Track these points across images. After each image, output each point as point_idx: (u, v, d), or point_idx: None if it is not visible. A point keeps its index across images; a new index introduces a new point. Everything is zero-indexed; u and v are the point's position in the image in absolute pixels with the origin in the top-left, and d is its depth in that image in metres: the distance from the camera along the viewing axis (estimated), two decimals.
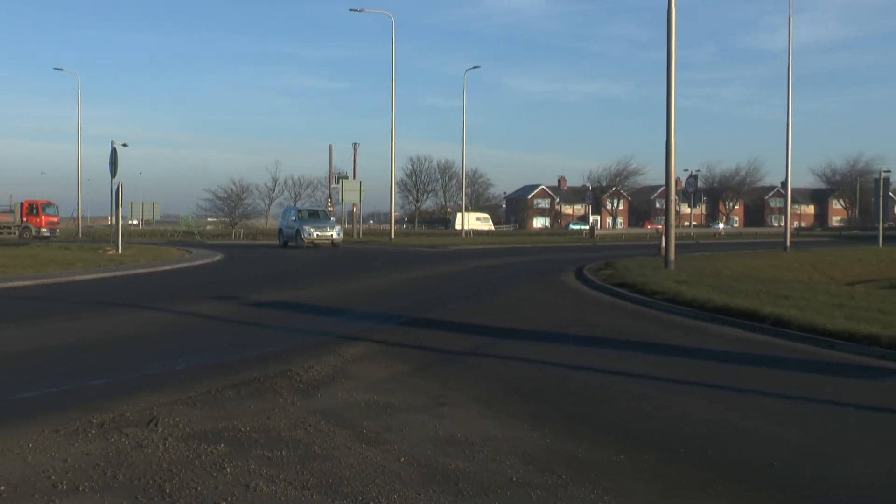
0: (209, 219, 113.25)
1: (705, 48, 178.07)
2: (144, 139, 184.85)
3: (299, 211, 46.21)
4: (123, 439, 6.33)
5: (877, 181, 46.84)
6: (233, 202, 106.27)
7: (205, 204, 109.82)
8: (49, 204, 59.81)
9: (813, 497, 5.35)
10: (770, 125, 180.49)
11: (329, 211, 58.59)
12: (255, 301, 16.41)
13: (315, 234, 42.02)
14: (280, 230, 47.50)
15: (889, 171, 49.85)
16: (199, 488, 5.29)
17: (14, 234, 55.98)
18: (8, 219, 57.62)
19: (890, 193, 51.02)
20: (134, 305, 15.74)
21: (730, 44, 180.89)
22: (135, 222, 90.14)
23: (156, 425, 6.72)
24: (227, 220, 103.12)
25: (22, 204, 58.24)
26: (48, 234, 57.49)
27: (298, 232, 42.40)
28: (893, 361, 10.16)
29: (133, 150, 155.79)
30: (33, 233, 56.62)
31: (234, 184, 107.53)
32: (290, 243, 43.67)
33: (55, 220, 60.85)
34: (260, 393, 8.01)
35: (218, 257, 33.56)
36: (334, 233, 42.85)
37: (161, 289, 20.36)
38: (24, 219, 57.46)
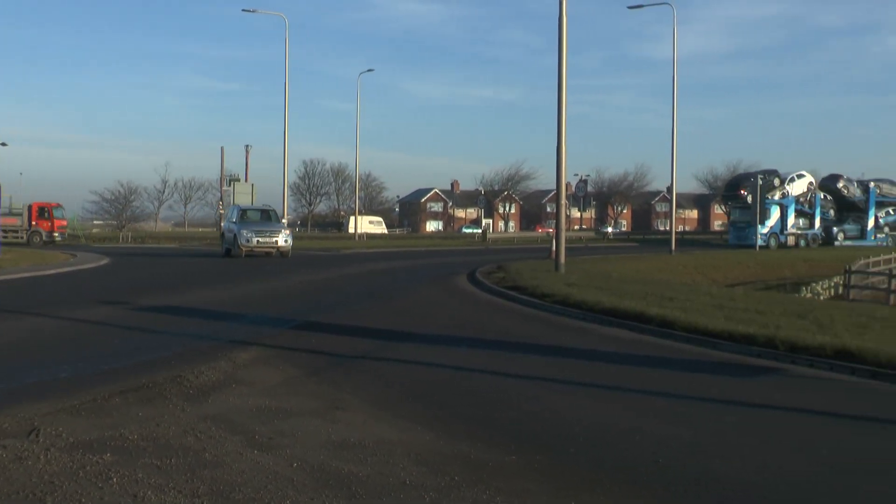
0: (95, 221, 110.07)
1: (595, 55, 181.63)
2: (26, 138, 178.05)
3: (243, 211, 36.88)
4: (1, 451, 6.11)
5: (754, 186, 48.75)
6: (120, 204, 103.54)
7: (91, 206, 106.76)
8: (58, 206, 57.25)
9: (695, 492, 5.54)
10: (657, 132, 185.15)
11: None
12: (145, 306, 16.04)
13: (255, 239, 34.00)
14: (222, 235, 39.64)
15: (764, 177, 52.40)
16: (84, 500, 5.15)
17: (22, 238, 52.78)
18: (15, 222, 53.88)
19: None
20: (15, 311, 15.20)
21: (619, 52, 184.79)
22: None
23: (37, 436, 6.50)
24: (114, 222, 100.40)
25: (31, 206, 55.28)
26: (59, 238, 54.91)
27: (236, 237, 34.45)
28: (769, 360, 10.58)
29: (13, 150, 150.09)
30: (44, 237, 53.72)
31: (122, 185, 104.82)
32: (232, 251, 35.09)
33: (64, 223, 58.26)
34: (148, 399, 7.85)
35: (105, 261, 32.64)
36: (280, 239, 34.36)
37: (44, 294, 19.73)
38: (34, 222, 54.53)
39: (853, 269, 31.82)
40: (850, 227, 58.75)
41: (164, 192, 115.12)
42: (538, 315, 15.82)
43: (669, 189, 53.18)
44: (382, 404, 7.97)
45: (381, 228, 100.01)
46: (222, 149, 73.54)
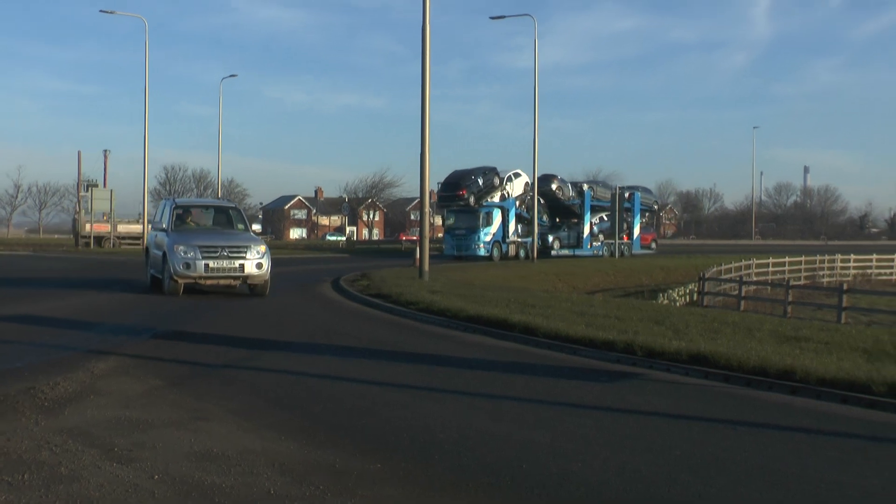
0: None
1: (458, 65, 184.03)
2: None
3: (182, 210, 21.68)
4: None
5: (613, 195, 50.39)
6: None
7: None
8: None
9: (555, 494, 5.70)
10: (518, 141, 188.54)
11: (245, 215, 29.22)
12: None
13: (203, 264, 19.23)
14: (146, 251, 23.62)
15: (623, 187, 54.04)
16: None
17: None
18: None
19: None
20: None
21: (480, 62, 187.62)
22: None
23: None
24: None
25: None
26: None
27: (166, 258, 19.69)
28: (627, 365, 10.95)
29: None
30: None
31: None
32: (165, 283, 19.94)
33: None
34: None
35: None
36: (249, 261, 19.71)
37: None
38: None
39: (706, 276, 33.21)
40: (566, 234, 51.46)
41: (17, 196, 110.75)
42: (403, 322, 15.90)
43: (532, 198, 52.43)
44: (247, 414, 7.87)
45: None
46: (79, 153, 70.94)
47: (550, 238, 49.66)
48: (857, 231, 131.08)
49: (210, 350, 11.69)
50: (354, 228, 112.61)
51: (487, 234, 45.52)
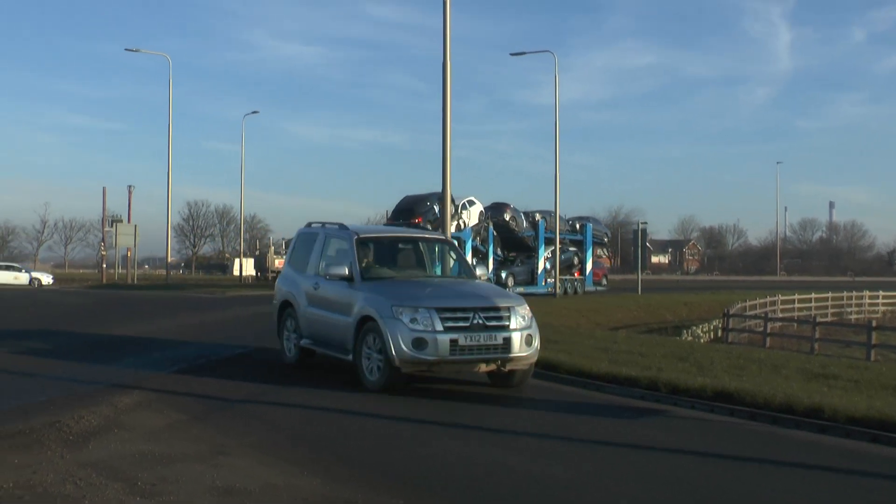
0: None
1: (478, 101, 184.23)
2: None
3: (365, 243, 13.43)
4: None
5: (635, 232, 50.03)
6: None
7: None
8: None
9: None
10: (539, 176, 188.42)
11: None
12: (21, 349, 15.44)
13: (455, 338, 11.04)
14: (282, 306, 14.64)
15: (646, 223, 53.47)
16: None
17: None
18: None
19: (647, 244, 52.76)
20: None
21: (501, 97, 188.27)
22: None
23: None
24: None
25: None
26: None
27: (367, 329, 11.61)
28: (651, 402, 10.87)
29: None
30: None
31: None
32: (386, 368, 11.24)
33: None
34: (25, 446, 7.57)
35: None
36: (521, 336, 11.52)
37: None
38: None
39: (731, 312, 32.97)
40: (520, 269, 45.54)
41: (43, 232, 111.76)
42: None
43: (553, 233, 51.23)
44: (268, 449, 7.87)
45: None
46: (104, 189, 71.42)
47: (504, 274, 43.52)
48: (885, 267, 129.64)
49: (231, 385, 11.69)
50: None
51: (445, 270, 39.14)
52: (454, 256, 14.69)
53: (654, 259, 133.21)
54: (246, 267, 67.11)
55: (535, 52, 44.07)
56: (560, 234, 44.46)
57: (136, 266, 63.87)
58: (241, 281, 61.82)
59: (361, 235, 13.23)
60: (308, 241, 14.41)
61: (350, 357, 11.82)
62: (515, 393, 11.60)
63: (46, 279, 57.66)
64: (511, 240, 45.27)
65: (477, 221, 41.85)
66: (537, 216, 45.87)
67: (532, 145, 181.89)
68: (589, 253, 49.03)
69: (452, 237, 33.73)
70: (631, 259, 69.51)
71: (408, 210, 38.45)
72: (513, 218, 44.47)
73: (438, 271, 14.30)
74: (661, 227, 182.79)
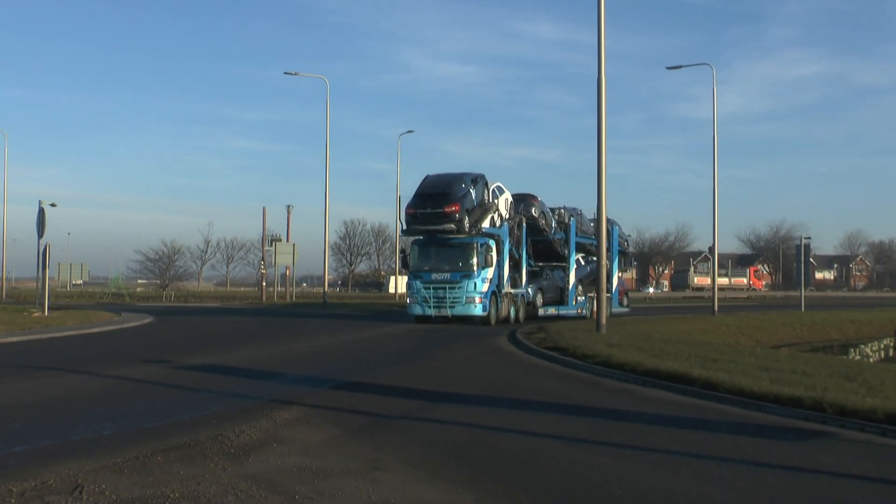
0: (139, 280, 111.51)
1: (633, 116, 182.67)
2: (74, 199, 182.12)
3: None
4: None
5: (798, 247, 48.08)
6: (164, 264, 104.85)
7: (135, 265, 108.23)
8: None
9: None
10: (697, 192, 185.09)
11: None
12: (186, 364, 16.15)
13: None
14: None
15: (809, 238, 51.15)
16: None
17: None
18: None
19: (811, 259, 49.85)
20: (60, 369, 15.37)
21: (657, 112, 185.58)
22: (79, 282, 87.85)
23: (80, 493, 6.54)
24: (157, 281, 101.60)
25: None
26: None
27: None
28: (816, 423, 10.37)
29: (62, 211, 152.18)
30: None
31: (166, 245, 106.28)
32: None
33: None
34: (190, 458, 7.87)
35: (148, 319, 32.97)
36: None
37: (89, 352, 19.93)
38: None
39: None
40: (548, 283, 36.78)
41: (206, 251, 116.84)
42: (579, 376, 15.68)
43: (711, 249, 48.51)
44: (422, 465, 7.92)
45: None
46: (264, 209, 73.95)
47: (532, 290, 35.08)
48: None
49: (386, 401, 11.88)
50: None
51: (485, 280, 30.15)
52: None
53: (819, 275, 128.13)
54: (401, 284, 68.20)
55: (692, 65, 43.19)
56: (581, 236, 37.63)
57: (294, 284, 65.78)
58: (398, 298, 62.80)
59: None
60: None
61: None
62: (671, 411, 11.31)
63: None
64: (540, 244, 36.19)
65: (508, 215, 33.34)
66: (562, 212, 37.15)
67: (689, 160, 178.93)
68: (616, 264, 39.82)
69: (492, 233, 30.85)
70: (793, 275, 66.99)
71: (440, 195, 29.61)
72: (542, 214, 35.54)
73: None
74: (825, 243, 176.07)
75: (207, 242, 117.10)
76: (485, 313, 30.08)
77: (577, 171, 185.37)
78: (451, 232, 29.67)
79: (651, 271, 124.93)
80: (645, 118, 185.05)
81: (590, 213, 36.87)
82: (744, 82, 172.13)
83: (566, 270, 36.86)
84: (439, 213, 29.12)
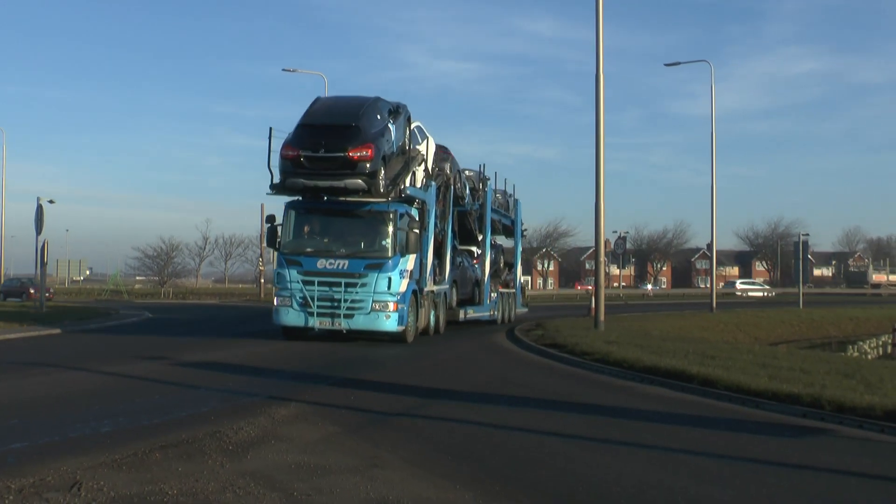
0: (138, 277, 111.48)
1: (632, 113, 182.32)
2: (72, 196, 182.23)
3: None
4: None
5: (796, 244, 48.19)
6: (162, 261, 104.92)
7: (133, 262, 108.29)
8: None
9: None
10: (695, 189, 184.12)
11: None
12: (184, 361, 16.14)
13: None
14: None
15: (807, 235, 51.34)
16: None
17: None
18: None
19: (809, 256, 49.99)
20: (58, 366, 15.34)
21: (655, 110, 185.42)
22: (78, 279, 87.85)
23: (79, 490, 6.54)
24: (156, 278, 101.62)
25: None
26: None
27: None
28: (814, 420, 10.39)
29: (60, 208, 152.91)
30: None
31: (164, 242, 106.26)
32: None
33: None
34: (188, 455, 7.87)
35: (146, 315, 32.98)
36: None
37: (87, 348, 19.92)
38: None
39: None
40: (462, 275, 26.55)
41: (204, 248, 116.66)
42: (578, 373, 15.69)
43: (709, 246, 48.41)
44: (421, 462, 7.92)
45: None
46: (262, 205, 74.05)
47: (448, 283, 24.77)
48: None
49: (385, 398, 11.87)
50: (529, 278, 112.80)
51: (404, 273, 19.89)
52: None
53: (817, 272, 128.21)
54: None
55: (691, 62, 43.01)
56: (497, 212, 30.06)
57: None
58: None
59: None
60: None
61: None
62: (669, 408, 11.32)
63: None
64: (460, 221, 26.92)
65: (434, 171, 23.70)
66: (472, 175, 28.06)
67: (687, 157, 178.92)
68: (519, 250, 33.10)
69: (408, 197, 20.66)
70: (791, 272, 66.99)
71: (343, 128, 18.91)
72: (458, 175, 26.17)
73: None
74: (823, 240, 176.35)
75: (206, 239, 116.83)
76: (400, 328, 19.68)
77: (575, 168, 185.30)
78: (359, 192, 19.10)
79: (649, 268, 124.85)
80: (643, 115, 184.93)
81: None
82: (742, 79, 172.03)
83: (481, 256, 27.96)
84: (339, 158, 18.49)
